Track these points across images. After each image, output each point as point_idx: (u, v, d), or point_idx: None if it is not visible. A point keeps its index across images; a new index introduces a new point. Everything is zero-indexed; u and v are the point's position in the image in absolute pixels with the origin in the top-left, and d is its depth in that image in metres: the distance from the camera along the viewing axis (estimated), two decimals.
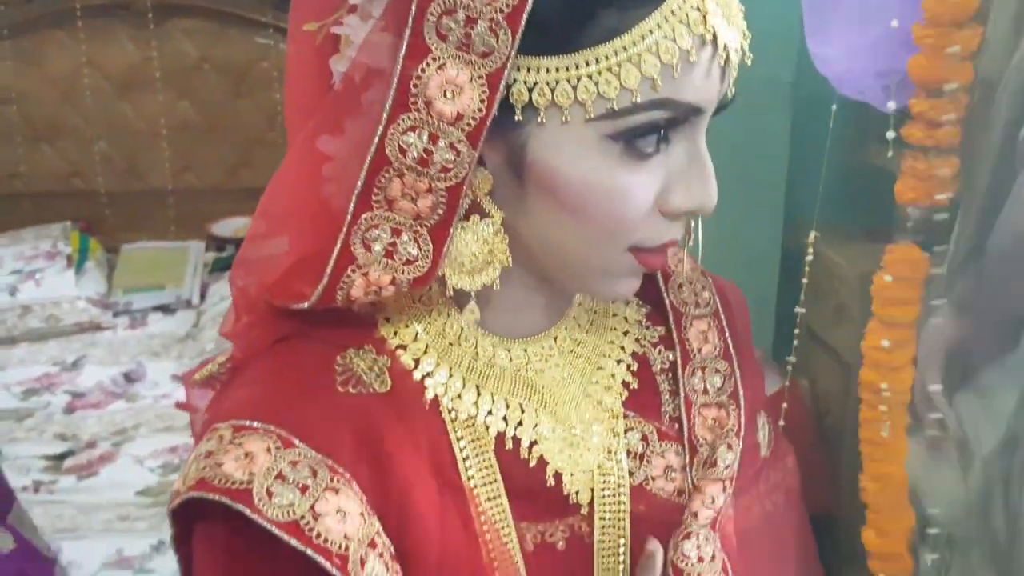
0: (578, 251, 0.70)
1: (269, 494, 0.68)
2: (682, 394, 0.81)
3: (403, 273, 0.68)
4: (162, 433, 2.36)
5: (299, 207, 0.71)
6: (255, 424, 0.70)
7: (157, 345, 2.78)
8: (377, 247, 0.68)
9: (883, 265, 1.54)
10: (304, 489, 0.68)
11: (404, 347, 0.76)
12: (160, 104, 3.21)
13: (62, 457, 2.30)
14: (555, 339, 0.79)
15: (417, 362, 0.75)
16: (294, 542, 0.67)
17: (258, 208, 0.76)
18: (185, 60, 3.22)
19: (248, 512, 0.67)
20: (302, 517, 0.68)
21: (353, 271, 0.68)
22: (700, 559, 0.80)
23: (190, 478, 0.71)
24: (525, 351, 0.78)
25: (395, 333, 0.76)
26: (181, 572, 0.80)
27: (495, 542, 0.75)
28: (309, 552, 0.67)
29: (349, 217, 0.67)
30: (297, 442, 0.70)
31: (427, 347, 0.76)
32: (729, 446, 0.81)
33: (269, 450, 0.69)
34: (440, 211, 0.67)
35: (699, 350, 0.83)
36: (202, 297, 2.99)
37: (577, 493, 0.78)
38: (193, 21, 3.20)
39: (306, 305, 0.70)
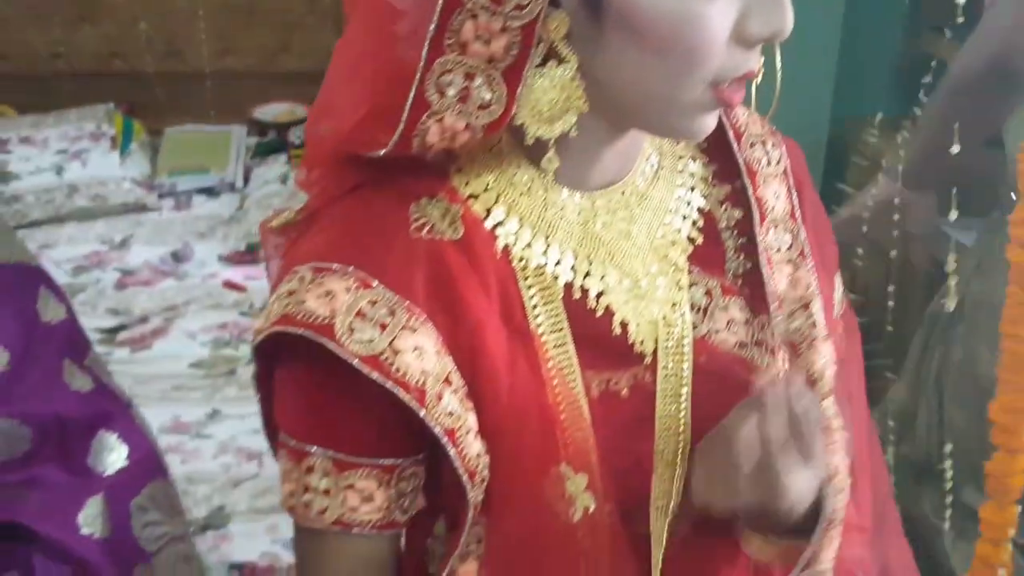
0: (659, 89, 0.72)
1: (351, 330, 0.72)
2: (761, 249, 0.84)
3: (477, 119, 0.71)
4: (211, 310, 2.42)
5: (371, 64, 0.73)
6: (334, 266, 0.74)
7: (203, 226, 2.82)
8: (451, 92, 0.70)
9: None
10: (383, 327, 0.72)
11: (475, 197, 0.79)
12: None
13: (115, 331, 2.37)
14: (623, 192, 0.82)
15: (488, 212, 0.78)
16: (375, 375, 0.72)
17: (331, 62, 0.78)
18: None
19: (331, 345, 0.71)
20: (382, 352, 0.72)
21: (428, 118, 0.70)
22: None
23: (273, 315, 0.75)
24: (594, 203, 0.80)
25: (467, 183, 0.79)
26: (262, 410, 0.85)
27: (561, 387, 0.79)
28: (388, 385, 0.72)
29: (422, 63, 0.69)
30: (375, 283, 0.74)
31: (498, 197, 0.79)
32: (806, 306, 0.84)
33: (349, 289, 0.73)
34: (514, 52, 0.69)
35: (773, 208, 0.85)
36: (245, 181, 3.03)
37: (642, 343, 0.82)
38: None
39: (382, 153, 0.73)
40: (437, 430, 0.73)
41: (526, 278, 0.78)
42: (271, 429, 0.84)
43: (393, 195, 0.77)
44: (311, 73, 3.35)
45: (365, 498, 0.77)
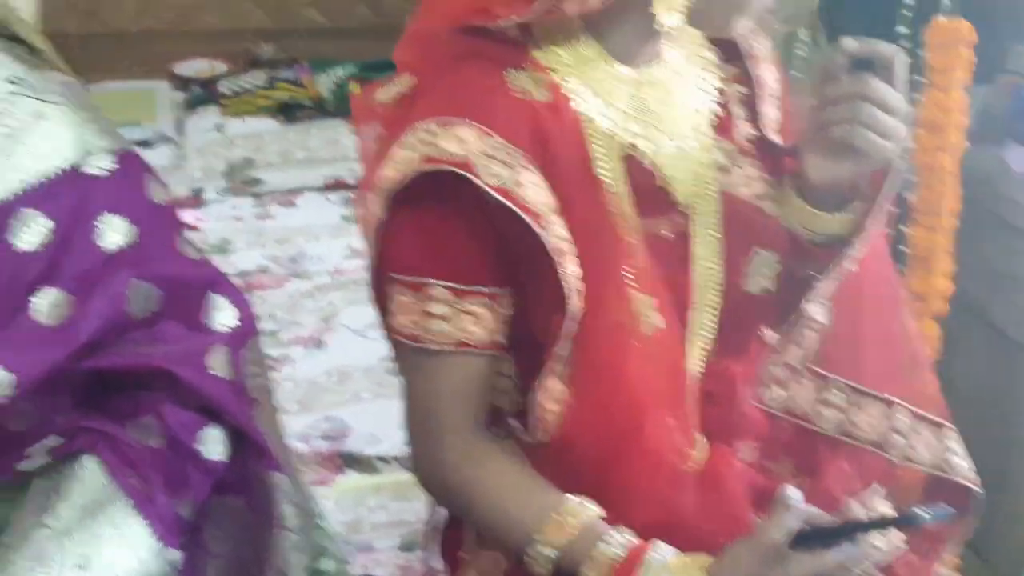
0: None
1: (483, 166, 0.91)
2: (763, 119, 1.07)
3: None
4: None
5: None
6: (456, 119, 0.92)
7: None
8: None
9: None
10: (507, 165, 0.92)
11: (553, 69, 0.98)
12: None
13: None
14: (662, 69, 1.03)
15: (564, 80, 0.98)
16: (507, 203, 0.91)
17: None
18: None
19: (472, 178, 0.90)
20: (507, 184, 0.91)
21: None
22: None
23: (409, 160, 0.92)
24: (641, 76, 1.01)
25: (545, 56, 0.98)
26: (372, 266, 1.02)
27: (622, 226, 0.99)
28: (518, 210, 0.91)
29: None
30: (491, 132, 0.92)
31: (570, 68, 0.99)
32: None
33: (475, 136, 0.92)
34: None
35: (768, 84, 1.08)
36: (179, 131, 3.11)
37: (681, 194, 1.03)
38: None
39: (521, 18, 0.92)
40: (552, 249, 0.92)
41: (592, 136, 0.98)
42: (378, 273, 1.02)
43: (489, 65, 0.97)
44: (227, 31, 3.46)
45: (478, 322, 0.97)
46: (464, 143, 0.91)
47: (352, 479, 1.75)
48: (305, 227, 2.66)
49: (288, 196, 2.82)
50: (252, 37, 3.40)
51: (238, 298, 1.12)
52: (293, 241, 2.57)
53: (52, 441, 1.02)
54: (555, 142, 0.96)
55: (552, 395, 0.98)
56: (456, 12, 0.98)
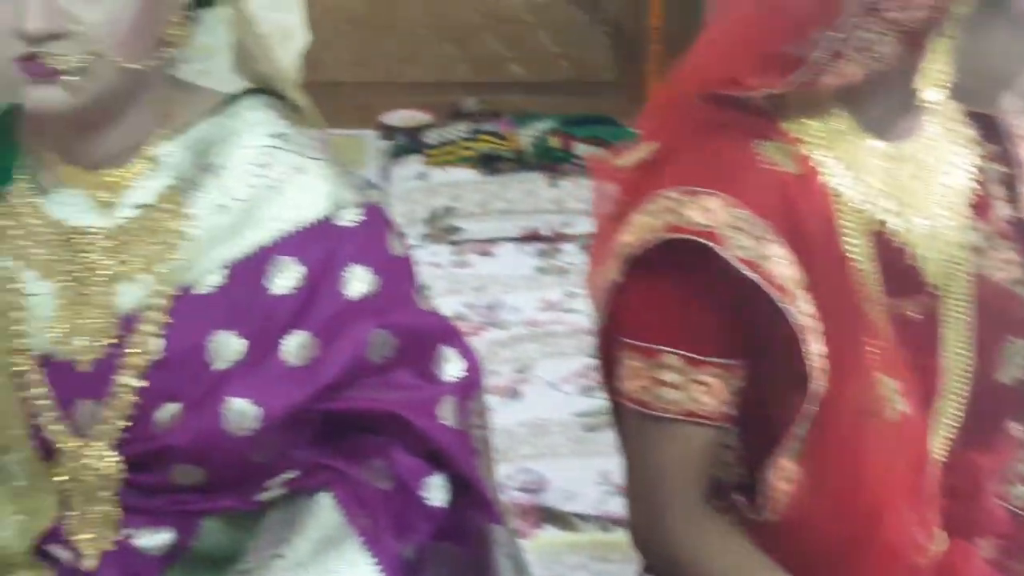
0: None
1: (730, 237, 0.90)
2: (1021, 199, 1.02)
3: (869, 68, 0.89)
4: None
5: (772, 18, 0.92)
6: (703, 189, 0.92)
7: None
8: (860, 45, 0.89)
9: None
10: (754, 238, 0.91)
11: (802, 140, 0.97)
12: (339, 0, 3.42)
13: None
14: (917, 144, 1.00)
15: (812, 153, 0.97)
16: (752, 275, 0.90)
17: (712, 22, 0.98)
18: None
19: (718, 248, 0.90)
20: (755, 258, 0.90)
21: (838, 63, 0.89)
22: None
23: (656, 227, 0.93)
24: (895, 151, 0.99)
25: (795, 128, 0.98)
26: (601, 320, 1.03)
27: (868, 305, 0.97)
28: (762, 283, 0.90)
29: (847, 20, 0.88)
30: (739, 203, 0.92)
31: (820, 141, 0.97)
32: None
33: (722, 206, 0.91)
34: (922, 21, 0.87)
35: None
36: (384, 178, 3.23)
37: (932, 275, 0.99)
38: None
39: (775, 90, 0.92)
40: (797, 326, 0.90)
41: (841, 210, 0.96)
42: (607, 335, 1.02)
43: (738, 135, 0.97)
44: (433, 83, 3.59)
45: (710, 392, 0.96)
46: (710, 213, 0.91)
47: (550, 534, 1.75)
48: (501, 276, 2.71)
49: (485, 245, 2.89)
50: (457, 90, 3.51)
51: (466, 350, 1.15)
52: (489, 290, 2.63)
53: (290, 475, 1.07)
54: (803, 215, 0.94)
55: (784, 474, 0.96)
56: (705, 81, 0.98)
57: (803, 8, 0.90)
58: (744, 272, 0.90)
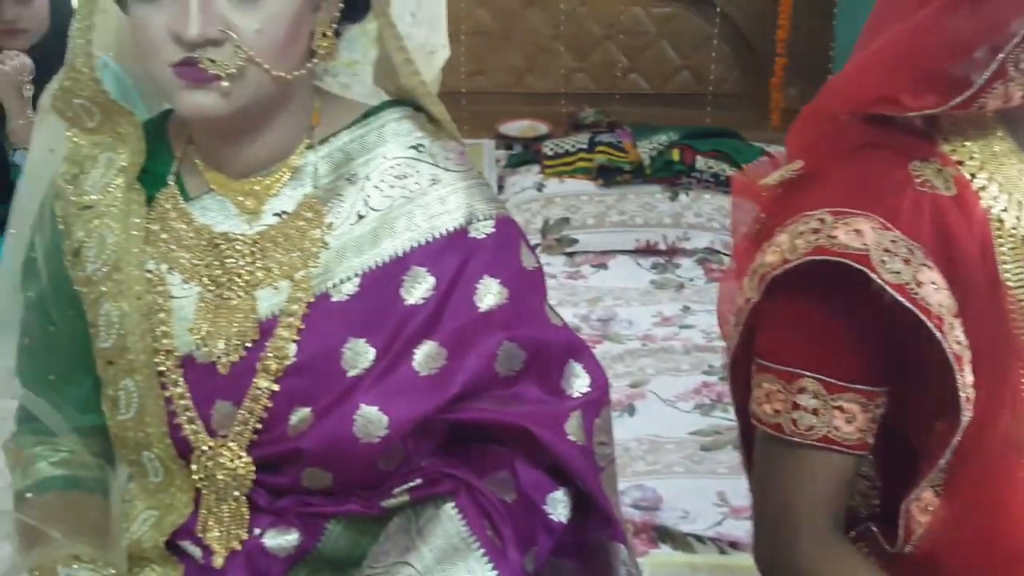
0: None
1: (882, 261, 0.87)
2: None
3: None
4: None
5: (936, 38, 0.89)
6: (853, 210, 0.90)
7: None
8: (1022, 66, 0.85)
9: None
10: (906, 262, 0.88)
11: (961, 163, 0.93)
12: (463, 11, 3.46)
13: None
14: None
15: (972, 176, 0.93)
16: (905, 301, 0.87)
17: (866, 41, 0.95)
18: None
19: (869, 272, 0.87)
20: (907, 283, 0.87)
21: (1001, 84, 0.86)
22: None
23: (799, 248, 0.91)
24: None
25: (953, 150, 0.94)
26: (737, 342, 1.01)
27: (1022, 333, 0.92)
28: (915, 309, 0.87)
29: (1016, 40, 0.85)
30: (891, 226, 0.89)
31: (981, 164, 0.93)
32: None
33: (874, 229, 0.88)
34: None
35: None
36: (499, 188, 3.25)
37: None
38: None
39: (934, 111, 0.89)
40: (951, 355, 0.87)
41: (999, 236, 0.93)
42: (742, 356, 1.00)
43: (891, 155, 0.94)
44: (552, 94, 3.59)
45: (848, 419, 0.93)
46: (861, 236, 0.88)
47: (666, 554, 1.73)
48: (616, 289, 2.70)
49: (600, 257, 2.88)
50: (575, 100, 3.51)
51: (594, 366, 1.14)
52: (603, 303, 2.61)
53: (415, 482, 1.07)
54: (959, 240, 0.91)
55: (924, 506, 0.92)
56: (859, 100, 0.95)
57: (966, 28, 0.87)
58: (896, 298, 0.87)
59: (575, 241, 2.90)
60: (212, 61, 0.95)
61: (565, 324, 1.16)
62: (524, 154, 3.29)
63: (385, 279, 1.06)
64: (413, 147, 1.10)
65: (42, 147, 1.17)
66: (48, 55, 2.37)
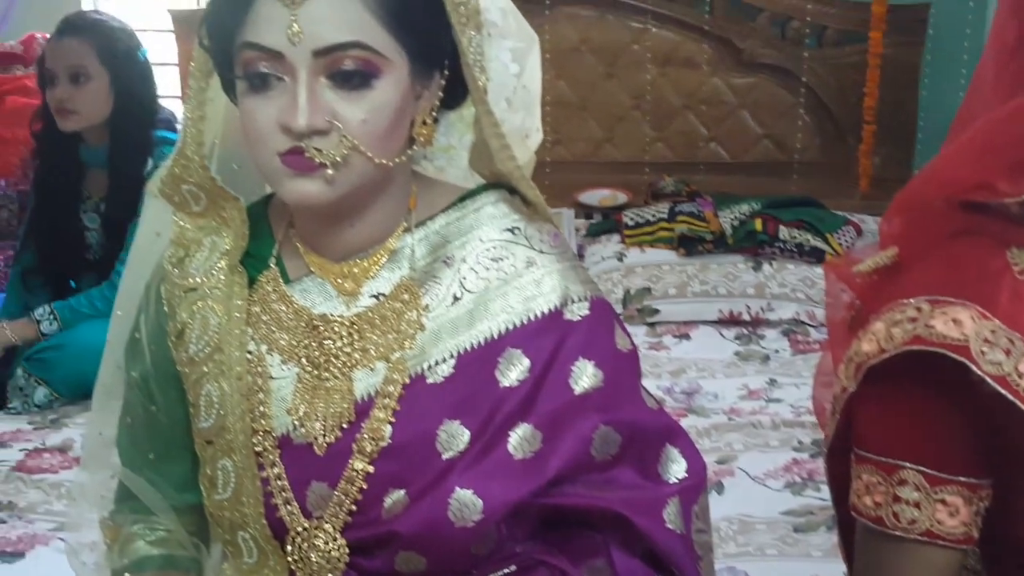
0: None
1: (982, 352, 0.85)
2: None
3: None
4: None
5: None
6: (951, 299, 0.87)
7: None
8: None
9: None
10: (1007, 352, 0.85)
11: None
12: (544, 82, 3.50)
13: None
14: None
15: None
16: (1006, 393, 0.84)
17: (963, 137, 0.93)
18: (567, 43, 3.49)
19: (969, 363, 0.84)
20: (1008, 374, 0.84)
21: None
22: None
23: (899, 338, 0.88)
24: None
25: None
26: (834, 431, 0.99)
27: None
28: (1016, 402, 0.84)
29: None
30: (990, 315, 0.86)
31: None
32: None
33: (973, 319, 0.86)
34: None
35: None
36: (579, 257, 3.26)
37: None
38: (578, 8, 3.47)
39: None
40: None
41: None
42: (840, 446, 0.98)
43: (988, 243, 0.91)
44: (631, 163, 3.60)
45: (952, 512, 0.90)
46: (959, 325, 0.86)
47: None
48: (699, 361, 2.66)
49: (683, 328, 2.85)
50: (655, 169, 3.51)
51: (691, 451, 1.13)
52: (687, 374, 2.58)
53: (510, 569, 1.06)
54: None
55: None
56: (955, 185, 0.94)
57: None
58: (997, 390, 0.84)
59: (657, 311, 2.88)
60: (318, 150, 0.98)
61: (661, 407, 1.15)
62: (604, 223, 3.29)
63: (480, 361, 1.06)
64: (509, 230, 1.11)
65: (149, 231, 1.21)
66: (119, 136, 2.49)
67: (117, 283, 2.38)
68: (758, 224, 2.94)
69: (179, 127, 2.71)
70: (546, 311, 1.07)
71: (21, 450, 2.21)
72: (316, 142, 0.97)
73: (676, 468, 1.11)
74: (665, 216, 3.08)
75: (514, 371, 1.06)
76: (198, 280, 1.12)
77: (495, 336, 1.07)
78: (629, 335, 1.15)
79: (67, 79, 2.44)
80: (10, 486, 2.06)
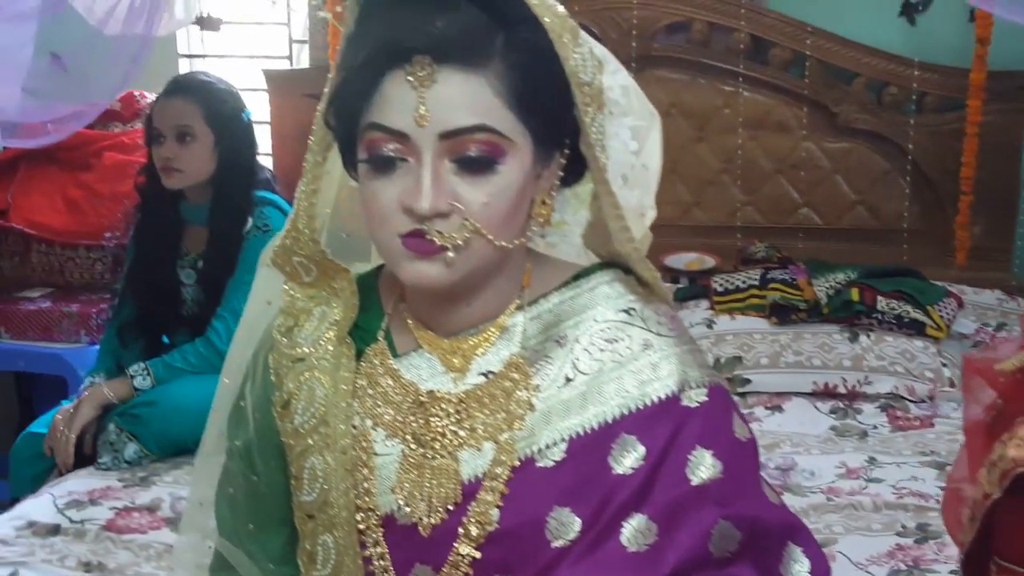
0: None
1: None
2: None
3: None
4: None
5: None
6: None
7: None
8: None
9: None
10: None
11: None
12: None
13: None
14: None
15: None
16: None
17: None
18: (657, 106, 3.44)
19: None
20: None
21: None
22: None
23: None
24: None
25: None
26: (973, 532, 0.93)
27: None
28: None
29: None
30: None
31: None
32: None
33: None
34: None
35: None
36: None
37: None
38: (668, 71, 3.45)
39: None
40: None
41: None
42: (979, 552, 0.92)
43: None
44: (719, 227, 3.54)
45: None
46: None
47: None
48: (794, 435, 2.57)
49: (775, 399, 2.76)
50: (744, 234, 3.45)
51: (815, 550, 1.07)
52: (781, 449, 2.49)
53: None
54: None
55: None
56: None
57: None
58: None
59: (748, 381, 2.80)
60: (440, 233, 0.96)
61: (783, 502, 1.10)
62: (692, 288, 3.22)
63: (593, 446, 1.03)
64: (624, 311, 1.08)
65: (259, 299, 1.21)
66: (221, 195, 2.54)
67: (212, 339, 2.47)
68: (855, 294, 2.85)
69: (277, 187, 2.76)
70: (662, 396, 1.04)
71: (111, 508, 2.21)
72: (438, 224, 0.96)
73: (799, 568, 1.05)
74: (756, 283, 3.01)
75: (628, 458, 1.02)
76: (306, 350, 1.11)
77: (609, 421, 1.03)
78: (747, 423, 1.10)
79: (173, 138, 2.50)
80: (100, 546, 2.06)
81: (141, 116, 3.36)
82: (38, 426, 2.56)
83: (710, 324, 2.97)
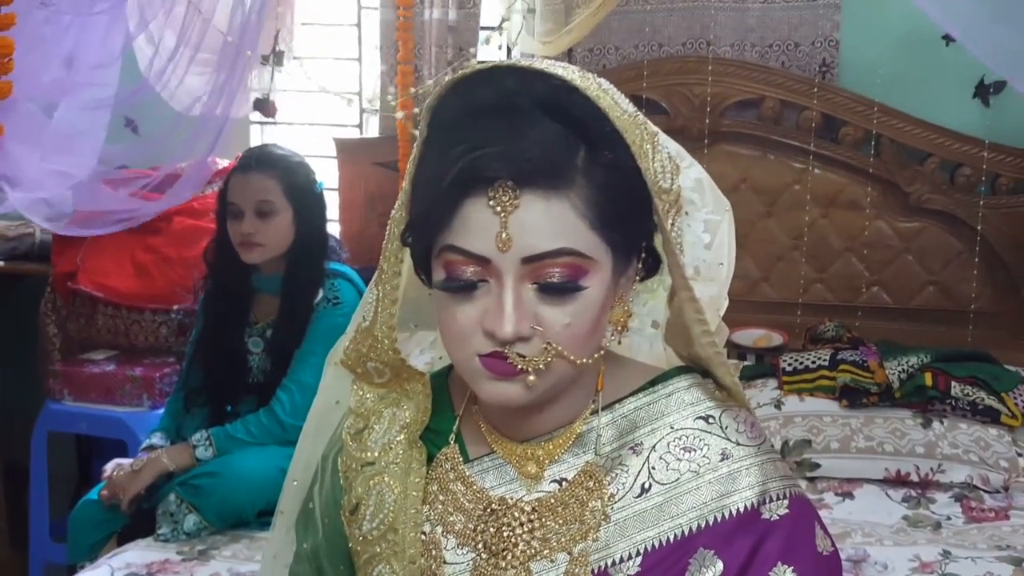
0: None
1: None
2: None
3: None
4: None
5: None
6: None
7: None
8: None
9: None
10: None
11: None
12: None
13: None
14: None
15: None
16: None
17: None
18: (727, 180, 3.43)
19: None
20: None
21: None
22: None
23: None
24: None
25: None
26: None
27: None
28: None
29: None
30: None
31: None
32: None
33: None
34: None
35: None
36: None
37: None
38: (739, 147, 3.43)
39: None
40: None
41: None
42: None
43: None
44: (787, 303, 3.48)
45: None
46: None
47: None
48: (865, 524, 2.48)
49: (845, 485, 2.68)
50: (812, 312, 3.39)
51: None
52: (852, 539, 2.41)
53: None
54: None
55: None
56: None
57: None
58: None
59: (817, 466, 2.72)
60: (521, 356, 0.94)
61: None
62: (759, 367, 3.16)
63: (669, 561, 0.99)
64: (702, 418, 1.04)
65: (328, 398, 1.19)
66: (295, 267, 2.56)
67: (276, 410, 2.47)
68: (928, 378, 2.77)
69: (344, 254, 2.77)
70: (742, 509, 1.00)
71: None
72: (519, 347, 0.94)
73: None
74: (826, 364, 2.94)
75: (706, 574, 0.98)
76: (376, 454, 1.09)
77: (685, 534, 1.00)
78: (830, 535, 1.05)
79: (254, 213, 2.53)
80: None
81: (213, 182, 3.42)
82: (97, 493, 2.57)
83: (778, 404, 2.91)
